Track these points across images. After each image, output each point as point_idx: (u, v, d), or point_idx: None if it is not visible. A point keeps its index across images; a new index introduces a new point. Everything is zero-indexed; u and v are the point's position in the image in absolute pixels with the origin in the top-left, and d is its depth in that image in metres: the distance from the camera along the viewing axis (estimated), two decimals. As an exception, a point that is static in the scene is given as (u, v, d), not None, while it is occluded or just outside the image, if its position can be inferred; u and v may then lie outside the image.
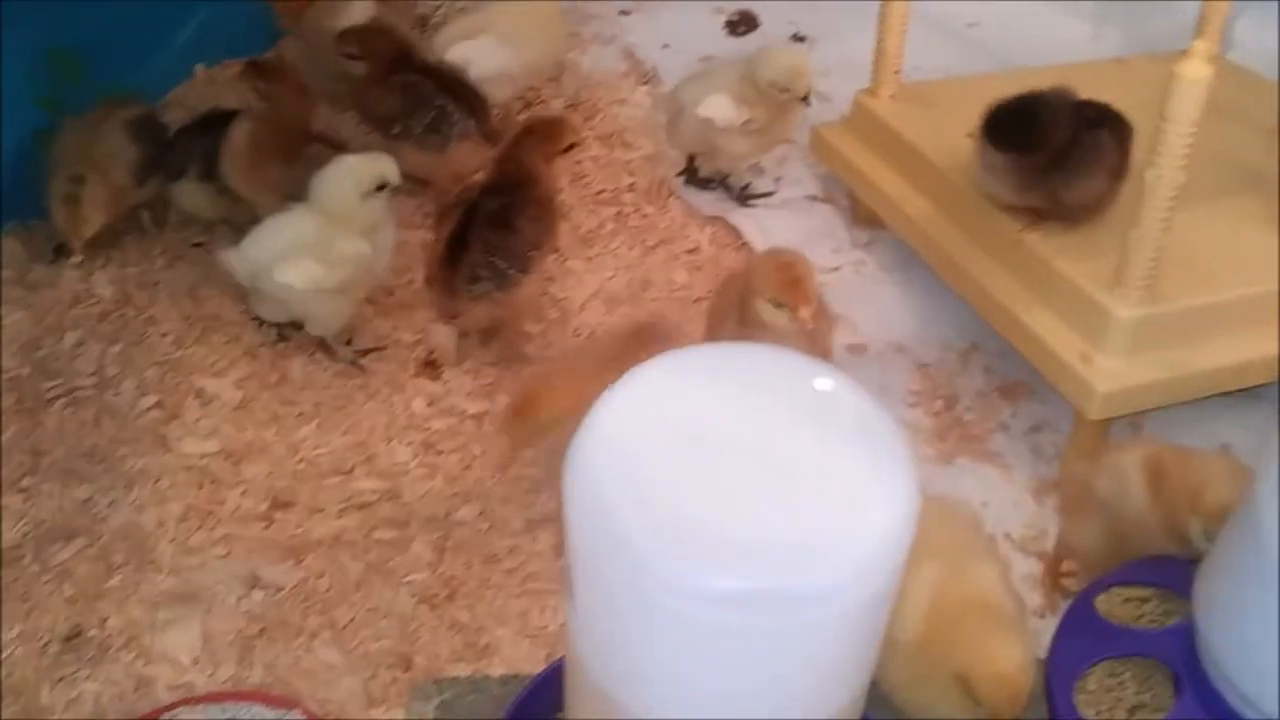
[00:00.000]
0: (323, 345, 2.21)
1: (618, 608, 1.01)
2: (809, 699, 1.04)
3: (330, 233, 2.06)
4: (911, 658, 1.40)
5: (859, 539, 0.95)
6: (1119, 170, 1.95)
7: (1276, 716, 1.33)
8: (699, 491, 0.98)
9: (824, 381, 1.06)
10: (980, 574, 1.45)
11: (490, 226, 2.05)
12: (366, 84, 2.43)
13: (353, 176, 2.07)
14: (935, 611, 1.39)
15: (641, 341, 1.71)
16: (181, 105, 2.78)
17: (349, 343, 2.22)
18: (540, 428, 1.71)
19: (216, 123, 2.36)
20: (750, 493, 0.98)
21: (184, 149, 2.38)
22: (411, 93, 2.42)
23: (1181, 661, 1.45)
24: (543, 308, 2.30)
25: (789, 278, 1.72)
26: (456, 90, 2.44)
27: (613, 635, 1.04)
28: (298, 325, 2.19)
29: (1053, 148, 1.91)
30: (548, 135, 2.16)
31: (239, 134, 2.26)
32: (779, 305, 1.72)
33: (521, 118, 2.54)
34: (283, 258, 2.04)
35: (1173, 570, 1.57)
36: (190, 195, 2.39)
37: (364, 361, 2.19)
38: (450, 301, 2.08)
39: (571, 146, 2.28)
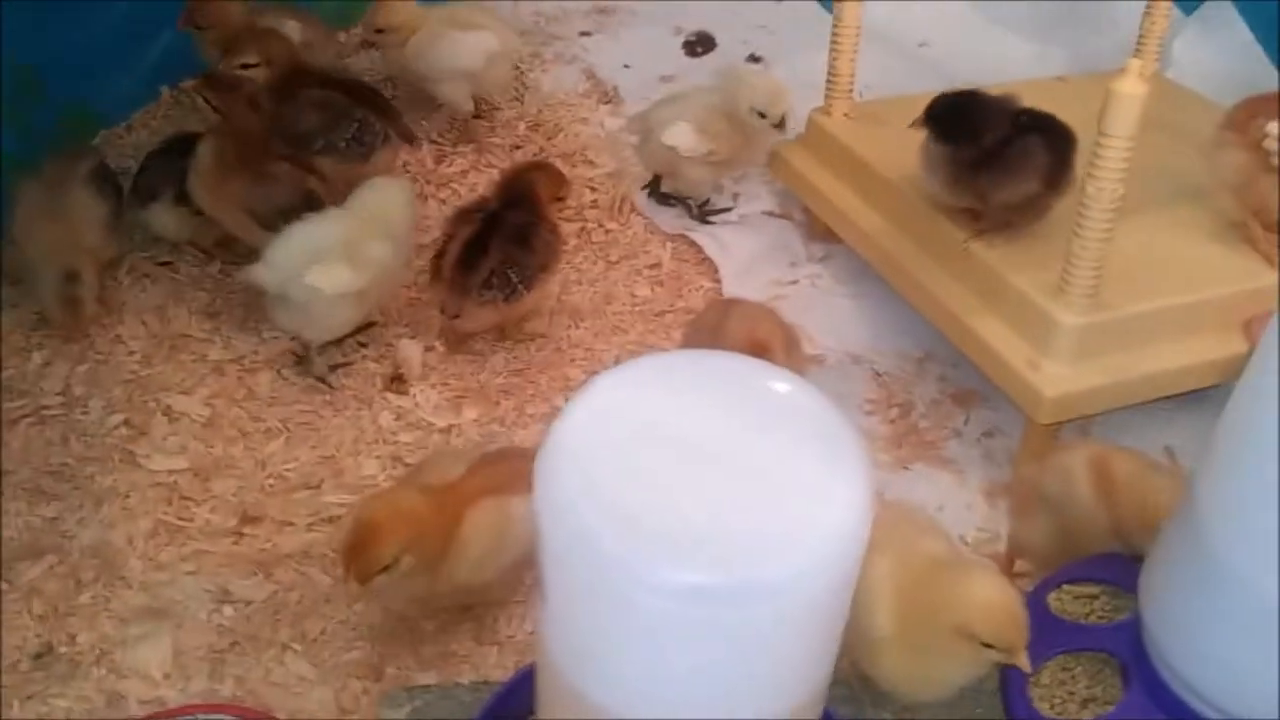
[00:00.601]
0: (297, 359, 2.25)
1: (588, 607, 1.05)
2: (775, 689, 1.08)
3: (360, 236, 2.13)
4: (900, 647, 1.43)
5: (818, 533, 0.99)
6: (1054, 177, 1.99)
7: (1216, 704, 1.40)
8: (663, 492, 1.02)
9: (781, 385, 1.11)
10: (929, 545, 1.49)
11: (512, 240, 2.17)
12: (276, 104, 2.37)
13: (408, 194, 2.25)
14: (901, 596, 1.42)
15: (492, 465, 1.68)
16: (146, 127, 2.80)
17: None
18: (383, 563, 1.53)
19: (187, 145, 2.33)
20: (712, 492, 1.02)
21: (155, 172, 2.36)
22: (328, 108, 2.42)
23: (1130, 654, 1.51)
24: (545, 316, 2.36)
25: (757, 350, 1.73)
26: (369, 100, 2.48)
27: (583, 635, 1.08)
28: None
29: (984, 144, 1.98)
30: (552, 179, 2.30)
31: (205, 152, 2.26)
32: None
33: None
34: (314, 261, 2.08)
35: (1120, 567, 1.63)
36: (162, 218, 2.38)
37: (332, 379, 2.21)
38: (459, 301, 2.17)
39: (563, 198, 2.36)
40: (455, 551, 1.59)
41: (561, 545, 1.03)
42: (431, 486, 1.63)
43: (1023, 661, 1.39)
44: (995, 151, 1.97)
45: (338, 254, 2.09)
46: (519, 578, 1.77)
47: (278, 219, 2.16)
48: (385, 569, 1.53)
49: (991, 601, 1.39)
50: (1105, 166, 1.75)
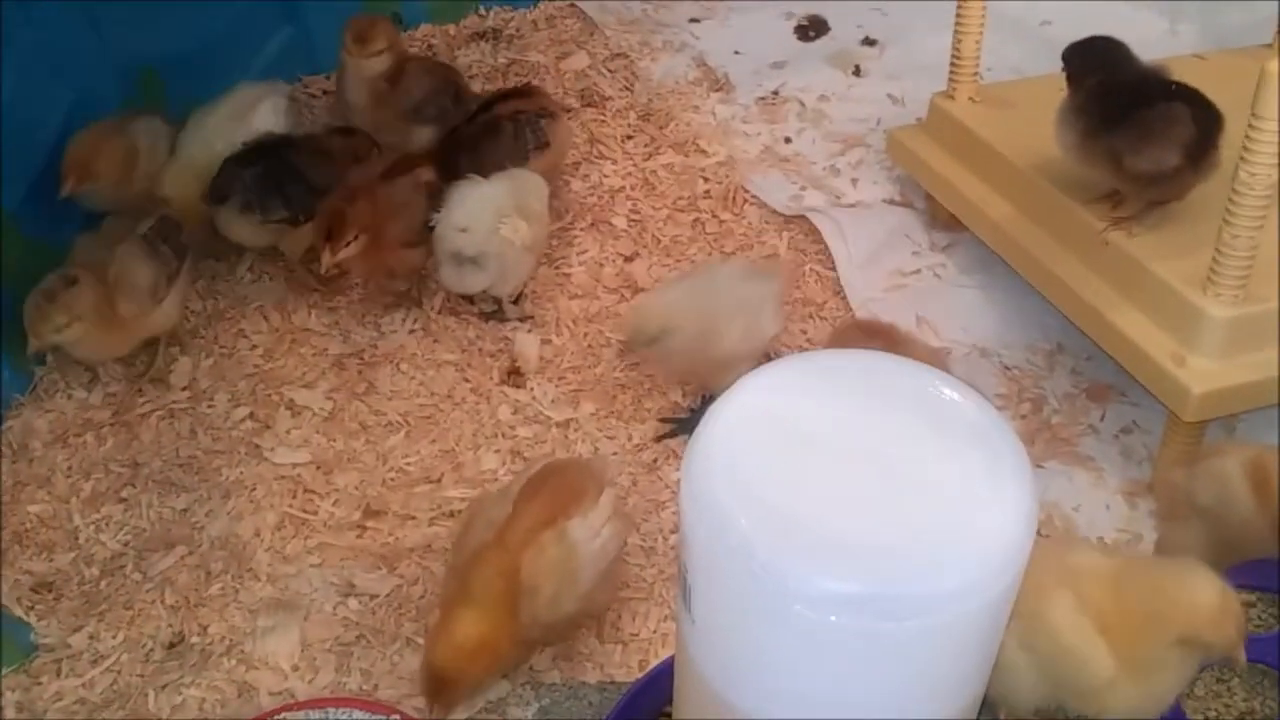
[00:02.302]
0: (486, 316, 2.35)
1: (736, 614, 1.02)
2: (928, 703, 1.04)
3: (523, 192, 2.25)
4: (1125, 680, 1.35)
5: (980, 545, 0.95)
6: (1197, 152, 1.88)
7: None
8: (817, 497, 0.98)
9: (938, 387, 1.07)
10: (1092, 560, 1.42)
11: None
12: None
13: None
14: (1107, 629, 1.34)
15: (536, 493, 1.61)
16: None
17: (516, 302, 2.35)
18: (463, 698, 1.55)
19: (265, 151, 2.33)
20: (868, 498, 0.98)
21: (227, 176, 2.29)
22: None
23: (1290, 666, 1.43)
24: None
25: None
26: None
27: (731, 642, 1.05)
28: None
29: (1120, 100, 1.88)
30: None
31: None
32: None
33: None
34: (501, 218, 2.20)
35: (1274, 573, 1.55)
36: (230, 223, 2.32)
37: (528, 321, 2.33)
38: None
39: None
40: (527, 601, 1.52)
41: (710, 552, 1.00)
42: (489, 558, 1.53)
43: (1240, 657, 1.32)
44: (1135, 114, 1.87)
45: (515, 210, 2.22)
46: (611, 589, 1.70)
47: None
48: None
49: (1213, 603, 1.31)
50: (1259, 151, 1.66)
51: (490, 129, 2.42)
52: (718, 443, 1.03)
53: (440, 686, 1.48)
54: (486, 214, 2.20)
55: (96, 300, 2.06)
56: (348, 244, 2.15)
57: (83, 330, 2.05)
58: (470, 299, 2.36)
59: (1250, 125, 1.67)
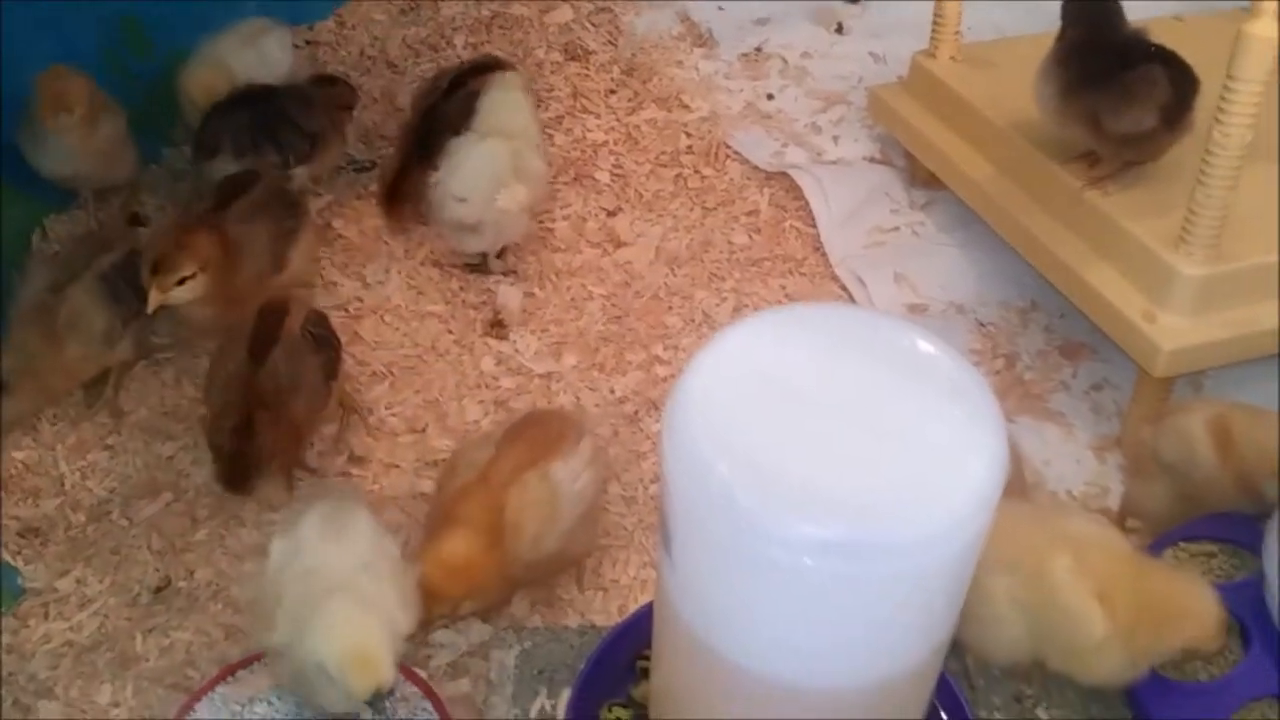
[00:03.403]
0: (472, 268, 2.35)
1: (714, 558, 1.05)
2: (899, 644, 1.08)
3: (518, 152, 2.21)
4: (1116, 645, 1.40)
5: (954, 491, 0.98)
6: (1173, 114, 1.91)
7: (1346, 667, 1.37)
8: (796, 446, 1.01)
9: (913, 340, 1.10)
10: (1089, 530, 1.47)
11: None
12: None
13: (518, 94, 2.27)
14: (1105, 600, 1.39)
15: (518, 437, 1.65)
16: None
17: (500, 256, 2.35)
18: (444, 615, 1.61)
19: (250, 99, 2.34)
20: (845, 446, 1.01)
21: (216, 127, 2.30)
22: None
23: (1250, 615, 1.48)
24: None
25: None
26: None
27: (711, 587, 1.08)
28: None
29: (1101, 62, 1.90)
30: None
31: None
32: None
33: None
34: (499, 185, 2.18)
35: (1239, 526, 1.60)
36: (224, 174, 2.27)
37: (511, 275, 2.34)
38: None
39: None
40: (510, 538, 1.57)
41: (691, 498, 1.03)
42: (473, 495, 1.58)
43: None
44: (1115, 75, 1.89)
45: (513, 172, 2.20)
46: (590, 534, 1.75)
47: None
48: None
49: (1219, 619, 1.38)
50: (1233, 112, 1.69)
51: (470, 105, 2.38)
52: (698, 393, 1.05)
53: (423, 599, 1.52)
54: (484, 181, 2.18)
55: (36, 351, 1.95)
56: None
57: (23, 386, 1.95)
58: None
59: (1226, 86, 1.70)
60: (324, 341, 1.94)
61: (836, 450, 1.01)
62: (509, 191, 2.19)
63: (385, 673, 1.38)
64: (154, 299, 1.89)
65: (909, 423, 1.03)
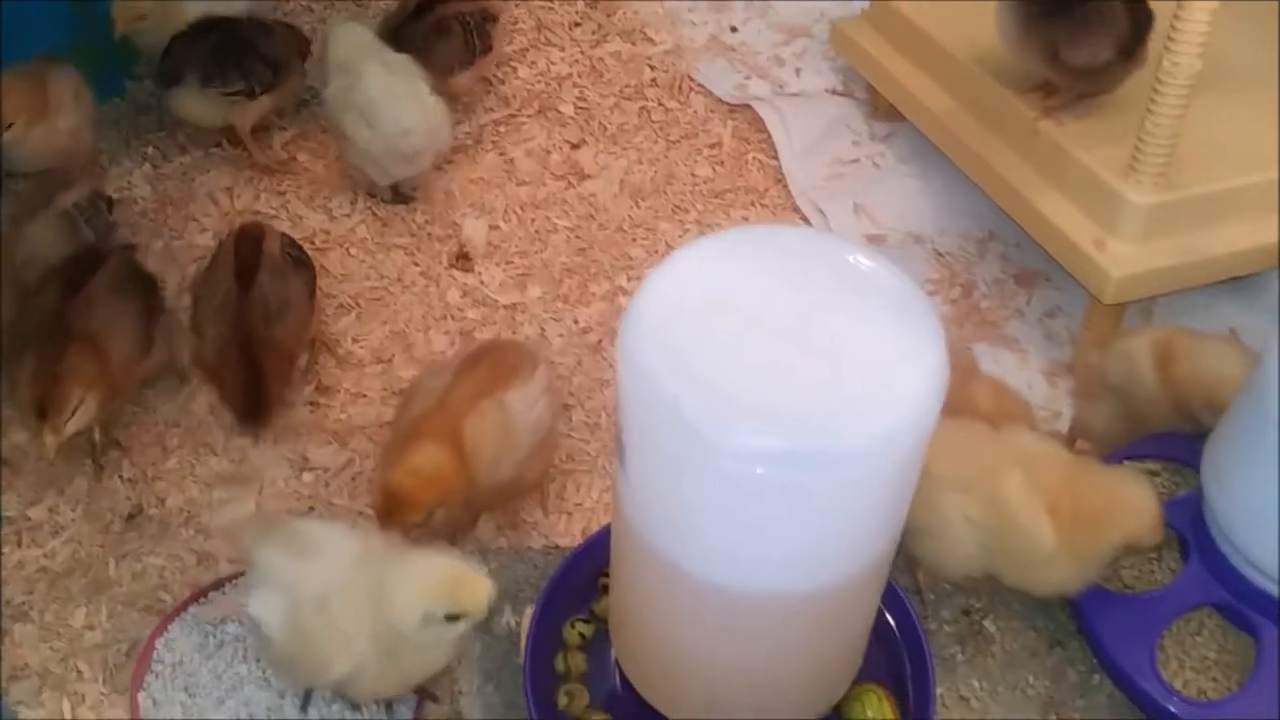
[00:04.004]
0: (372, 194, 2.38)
1: (668, 472, 1.09)
2: (847, 553, 1.13)
3: (411, 81, 2.23)
4: (1064, 557, 1.45)
5: (894, 401, 1.03)
6: (1129, 46, 1.94)
7: (1273, 572, 1.43)
8: (743, 361, 1.05)
9: (858, 259, 1.13)
10: (1036, 445, 1.52)
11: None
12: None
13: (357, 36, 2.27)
14: (1054, 513, 1.44)
15: (475, 366, 1.69)
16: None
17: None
18: (417, 524, 1.58)
19: (213, 27, 2.34)
20: (792, 361, 1.05)
21: (179, 55, 2.29)
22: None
23: (1189, 527, 1.54)
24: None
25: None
26: None
27: (663, 498, 1.13)
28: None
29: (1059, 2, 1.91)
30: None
31: None
32: None
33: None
34: (436, 115, 2.25)
35: (1179, 444, 1.66)
36: (188, 103, 2.31)
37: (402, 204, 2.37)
38: None
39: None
40: (470, 461, 1.59)
41: (642, 412, 1.07)
42: (433, 418, 1.61)
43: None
44: (1072, 11, 1.91)
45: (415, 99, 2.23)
46: (546, 459, 1.78)
47: None
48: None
49: (1156, 511, 1.44)
50: (1183, 41, 1.72)
51: (440, 29, 2.40)
52: (651, 311, 1.09)
53: (394, 506, 1.55)
54: (421, 112, 2.22)
55: None
56: None
57: None
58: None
59: (1175, 15, 1.73)
60: (301, 261, 2.00)
61: (783, 365, 1.05)
62: (436, 108, 2.24)
63: (486, 580, 1.38)
64: (51, 445, 1.74)
65: (853, 338, 1.07)
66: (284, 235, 2.02)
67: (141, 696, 1.58)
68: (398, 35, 2.38)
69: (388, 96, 2.19)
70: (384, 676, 1.41)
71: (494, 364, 1.68)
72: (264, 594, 1.41)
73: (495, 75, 2.64)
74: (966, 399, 1.65)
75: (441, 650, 1.42)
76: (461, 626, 1.38)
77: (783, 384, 1.04)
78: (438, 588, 1.37)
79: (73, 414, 1.75)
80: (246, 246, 1.93)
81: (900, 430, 1.03)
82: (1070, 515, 1.44)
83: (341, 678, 1.39)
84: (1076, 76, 1.99)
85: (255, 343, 1.83)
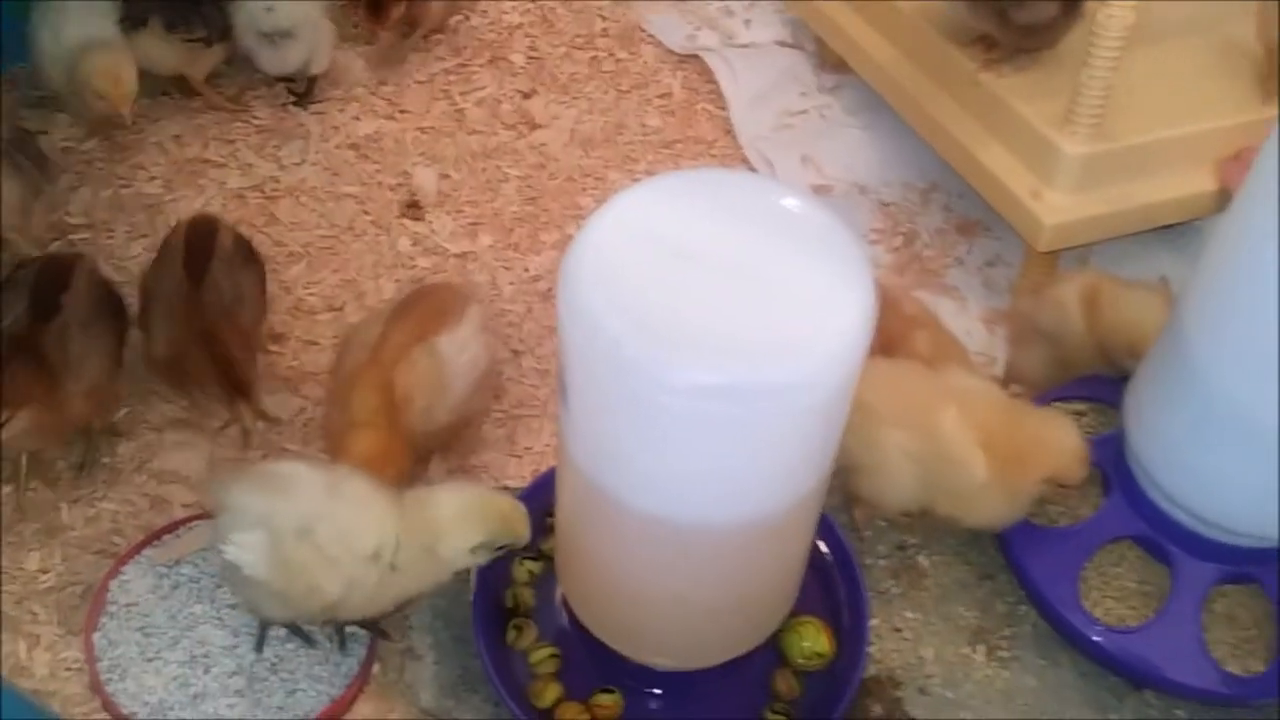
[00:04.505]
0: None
1: (609, 407, 1.14)
2: (783, 483, 1.18)
3: None
4: (995, 491, 1.52)
5: (824, 337, 1.07)
6: (1070, 4, 1.98)
7: (1190, 509, 1.50)
8: (680, 299, 1.09)
9: (791, 202, 1.17)
10: (976, 385, 1.59)
11: None
12: None
13: None
14: (987, 448, 1.50)
15: (406, 313, 1.71)
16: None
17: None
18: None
19: None
20: (727, 299, 1.09)
21: (141, 1, 2.27)
22: None
23: (1111, 464, 1.61)
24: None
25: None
26: None
27: (604, 433, 1.17)
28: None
29: None
30: None
31: None
32: None
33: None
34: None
35: (1105, 386, 1.72)
36: (150, 48, 2.28)
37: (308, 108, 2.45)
38: None
39: None
40: (402, 410, 1.62)
41: (583, 350, 1.11)
42: (366, 371, 1.63)
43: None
44: None
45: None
46: (484, 399, 1.82)
47: None
48: None
49: (1080, 449, 1.51)
50: (1117, -6, 1.76)
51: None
52: (591, 251, 1.13)
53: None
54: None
55: None
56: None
57: None
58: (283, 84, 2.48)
59: (1110, -30, 1.77)
60: (252, 258, 1.93)
61: (718, 303, 1.09)
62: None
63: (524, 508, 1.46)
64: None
65: (786, 277, 1.11)
66: (235, 230, 1.95)
67: (96, 637, 1.61)
68: None
69: None
70: (378, 597, 1.46)
71: (424, 309, 1.71)
72: (241, 536, 1.43)
73: (448, 23, 2.64)
74: (908, 342, 1.70)
75: (441, 571, 1.46)
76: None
77: (719, 321, 1.08)
78: (492, 520, 1.44)
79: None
80: (197, 240, 1.85)
81: (832, 363, 1.08)
82: (1002, 450, 1.50)
83: (332, 602, 1.43)
84: (1022, 34, 2.03)
85: (215, 332, 1.75)
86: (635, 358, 1.06)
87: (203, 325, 1.75)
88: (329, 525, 1.42)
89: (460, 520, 1.43)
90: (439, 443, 1.77)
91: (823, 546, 1.59)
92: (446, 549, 1.43)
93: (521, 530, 1.46)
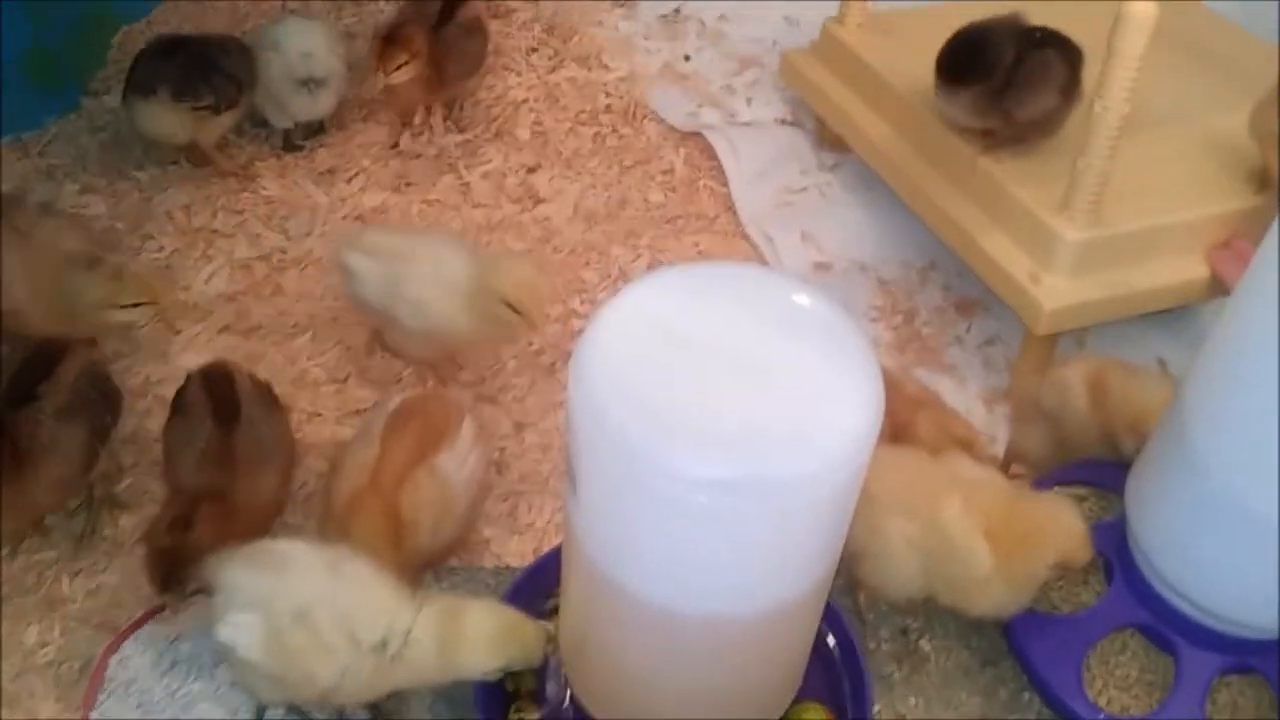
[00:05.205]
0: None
1: (615, 496, 1.14)
2: (789, 576, 1.18)
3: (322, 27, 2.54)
4: (1000, 579, 1.51)
5: (832, 433, 1.08)
6: (1069, 89, 2.05)
7: (1192, 598, 1.50)
8: (690, 392, 1.10)
9: (798, 296, 1.19)
10: (978, 474, 1.59)
11: None
12: None
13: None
14: (991, 536, 1.50)
15: (402, 429, 1.69)
16: (166, 24, 2.82)
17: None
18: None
19: (179, 43, 2.40)
20: (733, 392, 1.10)
21: (148, 69, 2.33)
22: None
23: (1114, 551, 1.61)
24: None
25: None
26: None
27: (610, 521, 1.17)
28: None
29: (1002, 72, 2.02)
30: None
31: None
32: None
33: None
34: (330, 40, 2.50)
35: (1107, 471, 1.73)
36: (159, 116, 2.32)
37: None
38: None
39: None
40: (409, 536, 1.60)
41: (592, 440, 1.12)
42: (367, 499, 1.60)
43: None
44: (1013, 73, 2.01)
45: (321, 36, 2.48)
46: (480, 504, 1.81)
47: None
48: None
49: (1080, 532, 1.51)
50: (1113, 86, 1.80)
51: (472, 31, 2.53)
52: (602, 342, 1.14)
53: None
54: (319, 37, 2.45)
55: None
56: (399, 66, 2.33)
57: None
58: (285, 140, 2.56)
59: (1107, 63, 1.80)
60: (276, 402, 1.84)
61: (726, 396, 1.10)
62: (338, 48, 2.49)
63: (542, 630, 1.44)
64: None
65: (793, 372, 1.13)
66: (252, 375, 1.85)
67: (94, 715, 1.59)
68: (441, 42, 2.46)
69: (297, 29, 2.46)
70: (374, 687, 1.44)
71: (420, 427, 1.68)
72: (235, 617, 1.42)
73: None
74: (913, 425, 1.71)
75: (446, 677, 1.44)
76: None
77: (727, 414, 1.09)
78: (518, 646, 1.41)
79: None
80: (218, 387, 1.76)
81: (838, 461, 1.09)
82: (1005, 538, 1.51)
83: (327, 688, 1.41)
84: (1025, 129, 2.07)
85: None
86: (645, 449, 1.07)
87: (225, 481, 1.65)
88: (328, 609, 1.40)
89: (491, 642, 1.41)
90: (443, 557, 1.75)
91: (826, 630, 1.59)
92: (466, 664, 1.41)
93: (537, 656, 1.44)
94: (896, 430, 1.67)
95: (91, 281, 1.88)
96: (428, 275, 1.91)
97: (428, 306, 1.91)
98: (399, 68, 2.36)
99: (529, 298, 1.87)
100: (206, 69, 2.36)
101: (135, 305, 1.89)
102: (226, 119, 2.41)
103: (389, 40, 2.37)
